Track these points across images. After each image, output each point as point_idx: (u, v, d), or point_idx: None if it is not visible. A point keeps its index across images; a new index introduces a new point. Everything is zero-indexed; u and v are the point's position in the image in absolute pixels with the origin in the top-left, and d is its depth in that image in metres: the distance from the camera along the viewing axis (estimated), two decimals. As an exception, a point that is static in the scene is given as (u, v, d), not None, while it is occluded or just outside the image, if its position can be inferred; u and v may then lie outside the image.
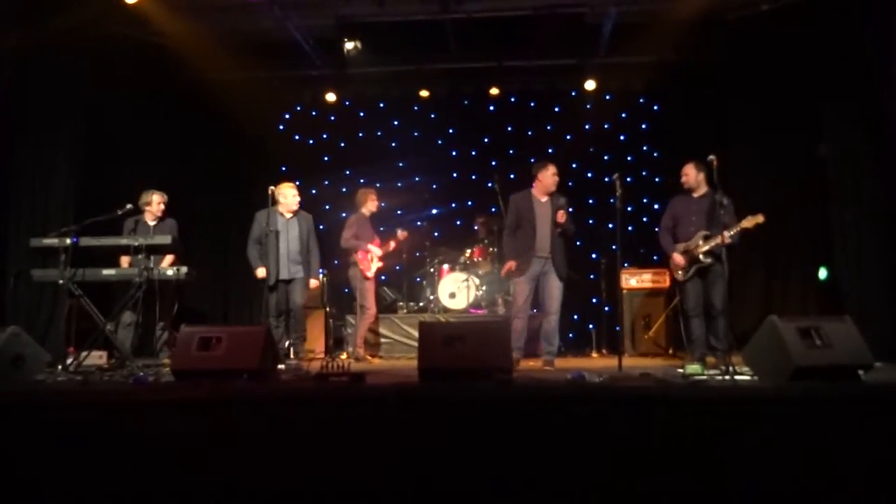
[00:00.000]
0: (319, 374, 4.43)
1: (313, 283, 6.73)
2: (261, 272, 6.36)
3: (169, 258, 6.28)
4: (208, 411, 3.55)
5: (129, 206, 6.03)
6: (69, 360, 5.32)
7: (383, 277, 8.14)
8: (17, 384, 4.43)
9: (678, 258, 5.86)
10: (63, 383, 4.73)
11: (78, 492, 3.29)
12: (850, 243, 6.66)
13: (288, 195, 6.53)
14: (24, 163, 7.10)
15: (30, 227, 6.88)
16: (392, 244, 7.49)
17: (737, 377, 4.50)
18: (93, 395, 4.09)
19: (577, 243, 9.09)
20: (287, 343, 6.45)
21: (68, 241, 5.25)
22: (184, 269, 5.61)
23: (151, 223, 6.50)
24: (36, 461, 3.38)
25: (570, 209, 6.25)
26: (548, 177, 6.17)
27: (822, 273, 7.41)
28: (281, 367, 5.56)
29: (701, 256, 5.73)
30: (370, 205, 7.44)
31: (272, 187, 6.33)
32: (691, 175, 5.95)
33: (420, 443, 3.31)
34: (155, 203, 6.52)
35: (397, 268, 8.65)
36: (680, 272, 5.93)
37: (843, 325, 4.41)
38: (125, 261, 6.05)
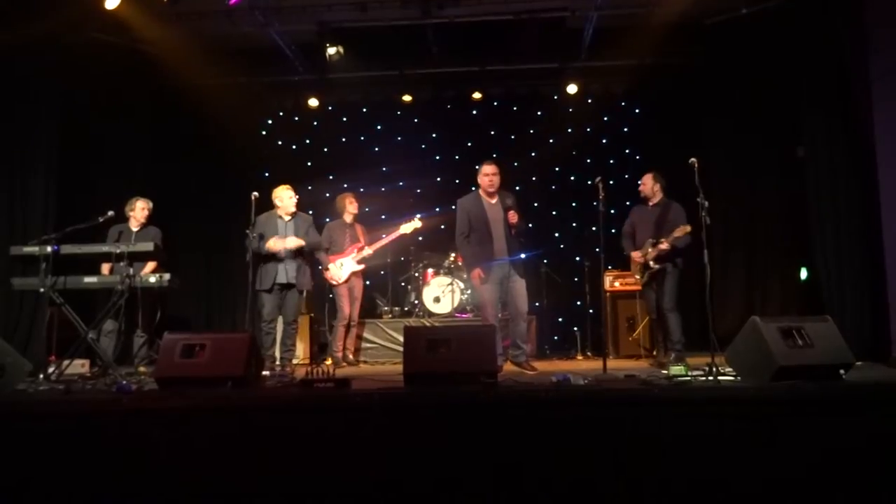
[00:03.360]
0: (304, 380, 4.41)
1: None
2: (273, 243, 6.32)
3: (150, 265, 6.23)
4: (192, 419, 3.53)
5: (110, 213, 5.97)
6: (51, 369, 5.25)
7: (367, 283, 8.11)
8: (-3, 394, 4.38)
9: (636, 255, 6.34)
10: (45, 392, 4.66)
11: (61, 501, 3.26)
12: (829, 244, 6.74)
13: (284, 197, 6.52)
14: (0, 169, 7.02)
15: (9, 234, 6.80)
16: (394, 236, 7.55)
17: (720, 377, 4.53)
18: (75, 404, 4.05)
19: (561, 246, 9.16)
20: (278, 353, 6.44)
21: (49, 249, 5.19)
22: (166, 277, 5.56)
23: (135, 230, 6.46)
24: (18, 470, 3.34)
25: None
26: (481, 177, 6.07)
27: (803, 274, 7.49)
28: (266, 373, 5.53)
29: (651, 263, 6.17)
30: (350, 209, 7.45)
31: (255, 193, 6.28)
32: (648, 185, 6.41)
33: (406, 447, 3.30)
34: (139, 209, 6.48)
35: (382, 272, 8.64)
36: (637, 276, 6.46)
37: (825, 325, 4.46)
38: (106, 268, 6.00)
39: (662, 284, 6.17)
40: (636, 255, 6.38)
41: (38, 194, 7.14)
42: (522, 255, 6.04)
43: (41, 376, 5.05)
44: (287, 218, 6.55)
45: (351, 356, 7.42)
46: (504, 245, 5.89)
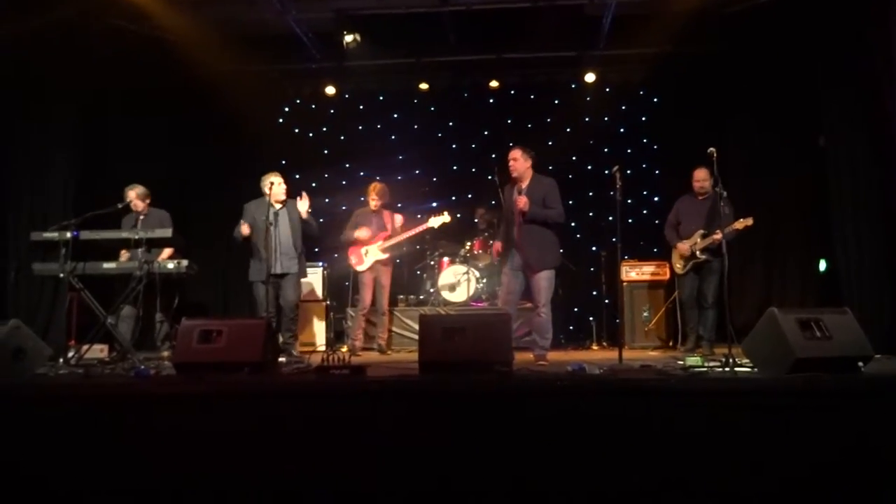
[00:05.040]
0: (320, 367, 4.43)
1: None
2: (244, 228, 6.34)
3: (167, 251, 6.27)
4: (210, 404, 3.56)
5: (128, 199, 6.05)
6: (70, 354, 5.32)
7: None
8: (18, 377, 4.43)
9: (683, 247, 6.45)
10: (65, 376, 4.74)
11: (80, 484, 3.30)
12: (849, 235, 6.65)
13: (275, 183, 6.37)
14: (21, 156, 7.09)
15: (29, 220, 6.88)
16: (422, 228, 7.51)
17: (737, 369, 4.51)
18: (94, 388, 4.10)
19: (577, 236, 9.12)
20: (280, 341, 6.44)
21: (68, 234, 5.25)
22: (184, 263, 5.61)
23: (141, 217, 6.48)
24: (38, 453, 3.39)
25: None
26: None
27: (822, 265, 7.41)
28: (282, 360, 5.56)
29: (697, 253, 6.34)
30: (371, 197, 7.44)
31: (272, 181, 6.31)
32: (707, 181, 6.47)
33: (421, 435, 3.32)
34: (134, 199, 6.45)
35: (397, 261, 8.65)
36: (678, 265, 6.57)
37: (844, 317, 4.42)
38: (124, 254, 6.05)
39: (707, 278, 6.37)
40: (683, 246, 6.49)
41: (58, 181, 7.22)
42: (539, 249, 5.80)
43: (61, 360, 5.12)
44: (277, 206, 6.41)
45: (384, 344, 7.40)
46: (518, 237, 5.78)
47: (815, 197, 7.28)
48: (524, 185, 5.85)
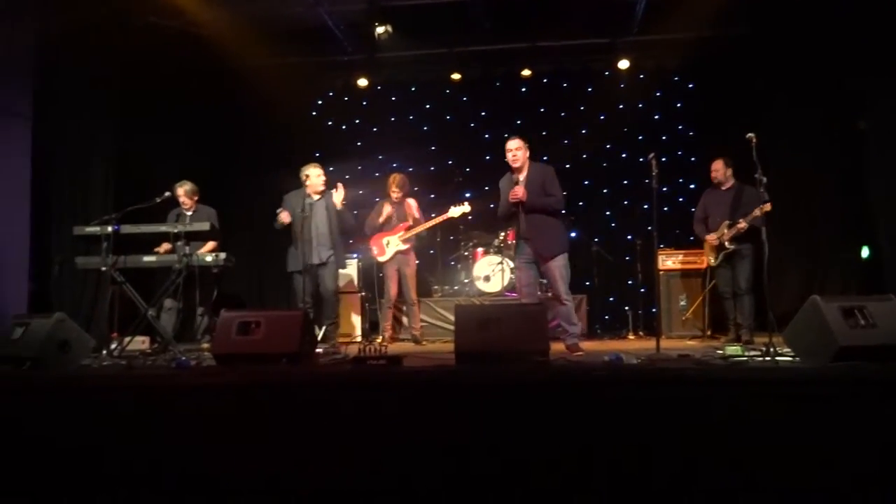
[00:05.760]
0: (357, 358, 4.47)
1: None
2: (283, 216, 6.42)
3: (209, 245, 6.36)
4: (249, 394, 3.61)
5: (167, 193, 6.13)
6: (113, 345, 5.43)
7: (416, 262, 8.14)
8: (63, 369, 4.54)
9: (711, 239, 6.54)
10: (108, 367, 4.84)
11: (123, 470, 3.38)
12: (893, 221, 6.50)
13: (312, 175, 6.47)
14: (62, 152, 7.23)
15: (71, 215, 7.02)
16: (442, 218, 7.51)
17: (778, 358, 4.43)
18: (137, 379, 4.18)
19: (612, 225, 9.05)
20: (321, 329, 6.50)
21: (110, 228, 5.34)
22: (222, 256, 5.68)
23: (188, 213, 6.60)
24: (82, 441, 3.47)
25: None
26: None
27: (865, 252, 7.25)
28: (318, 350, 5.61)
29: (726, 244, 6.46)
30: (392, 189, 7.45)
31: (306, 173, 6.37)
32: (721, 171, 6.66)
33: (458, 425, 3.32)
34: (182, 195, 6.60)
35: (431, 252, 8.67)
36: (711, 258, 6.68)
37: (888, 304, 4.29)
38: (165, 247, 6.15)
39: (737, 265, 6.44)
40: (711, 238, 6.56)
41: (99, 176, 7.36)
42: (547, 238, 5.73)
43: (104, 352, 5.23)
44: (316, 197, 6.52)
45: (417, 334, 7.44)
46: (525, 226, 5.71)
47: (856, 182, 7.12)
48: (522, 175, 5.80)
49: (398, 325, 7.85)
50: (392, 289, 7.36)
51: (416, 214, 7.52)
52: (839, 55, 7.22)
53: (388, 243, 7.35)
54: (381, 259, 7.40)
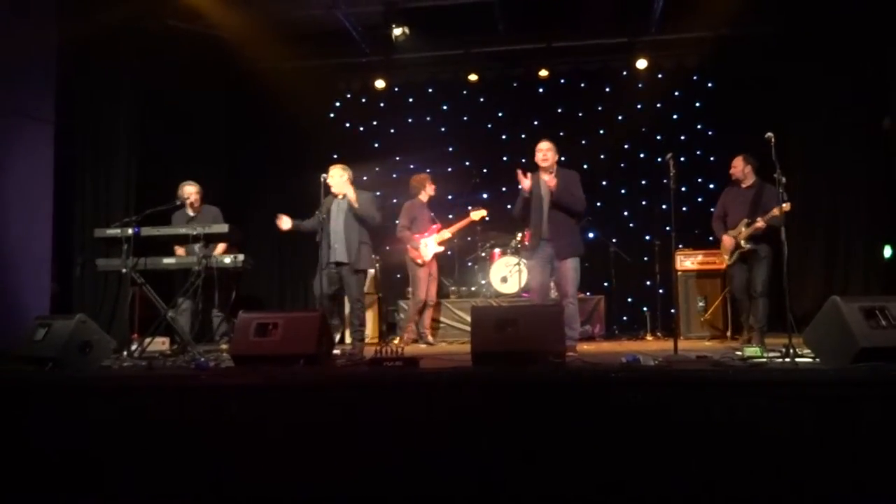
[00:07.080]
0: (374, 359, 4.47)
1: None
2: (280, 223, 6.37)
3: (221, 246, 6.34)
4: (267, 395, 3.63)
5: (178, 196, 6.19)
6: (133, 346, 5.48)
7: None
8: (85, 369, 4.59)
9: (727, 240, 6.32)
10: (129, 368, 4.88)
11: (143, 470, 3.42)
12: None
13: (335, 176, 6.33)
14: (84, 153, 7.32)
15: (93, 216, 7.10)
16: (465, 222, 7.54)
17: (798, 359, 4.39)
18: (157, 379, 4.22)
19: (630, 225, 9.00)
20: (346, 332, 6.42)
21: (130, 231, 5.39)
22: (241, 257, 5.69)
23: (192, 214, 6.53)
24: (103, 441, 3.52)
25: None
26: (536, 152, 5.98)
27: (887, 251, 7.16)
28: (336, 352, 5.61)
29: (742, 242, 6.20)
30: (428, 190, 7.44)
31: (324, 175, 6.33)
32: (739, 168, 6.40)
33: (475, 426, 3.32)
34: (192, 195, 6.53)
35: (448, 253, 8.67)
36: (726, 256, 6.46)
37: (911, 305, 4.25)
38: (179, 250, 6.16)
39: (755, 267, 6.21)
40: (727, 238, 6.38)
41: (120, 179, 7.42)
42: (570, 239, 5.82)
43: (125, 353, 5.27)
44: (340, 198, 6.35)
45: (429, 336, 7.45)
46: (547, 225, 5.82)
47: (880, 181, 7.03)
48: (550, 176, 5.87)
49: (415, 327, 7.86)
50: (423, 291, 7.33)
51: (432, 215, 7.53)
52: (863, 53, 7.13)
53: (427, 245, 7.34)
54: (422, 262, 7.32)
